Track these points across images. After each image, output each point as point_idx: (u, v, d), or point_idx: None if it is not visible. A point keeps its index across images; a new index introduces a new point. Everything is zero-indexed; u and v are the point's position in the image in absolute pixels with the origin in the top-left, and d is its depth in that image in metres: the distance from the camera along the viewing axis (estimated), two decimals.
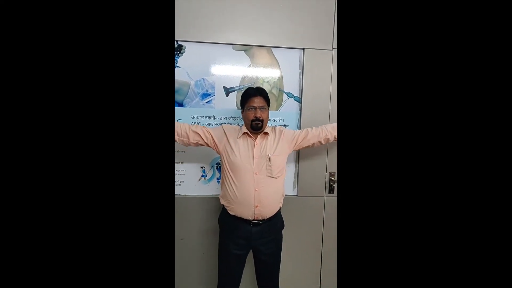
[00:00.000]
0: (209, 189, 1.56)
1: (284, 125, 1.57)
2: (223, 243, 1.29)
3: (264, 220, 1.23)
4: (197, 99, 1.50)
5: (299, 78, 1.56)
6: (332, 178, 1.60)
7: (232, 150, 1.24)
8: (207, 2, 1.43)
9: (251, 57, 1.52)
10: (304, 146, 1.36)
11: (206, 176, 1.56)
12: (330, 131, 1.35)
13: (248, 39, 1.48)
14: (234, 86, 1.52)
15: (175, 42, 1.45)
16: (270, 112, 1.35)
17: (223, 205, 1.28)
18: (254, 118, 1.22)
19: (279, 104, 1.56)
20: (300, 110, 1.56)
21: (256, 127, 1.23)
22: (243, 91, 1.32)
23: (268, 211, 1.23)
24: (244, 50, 1.51)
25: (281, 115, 1.57)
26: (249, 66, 1.52)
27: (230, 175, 1.23)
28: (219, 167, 1.54)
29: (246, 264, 1.30)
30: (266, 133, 1.28)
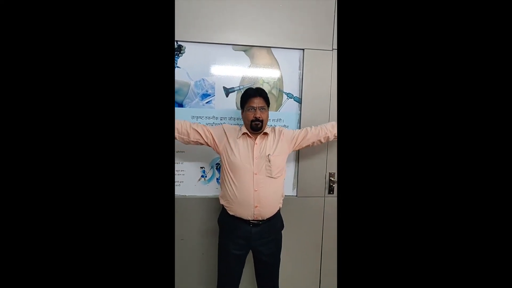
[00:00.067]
0: (209, 190, 1.56)
1: (284, 126, 1.57)
2: (222, 243, 1.29)
3: (263, 220, 1.23)
4: (197, 100, 1.50)
5: (299, 78, 1.56)
6: (332, 179, 1.60)
7: (232, 150, 1.24)
8: (207, 2, 1.43)
9: (251, 57, 1.52)
10: (304, 146, 1.36)
11: (206, 177, 1.56)
12: (330, 129, 1.35)
13: (248, 40, 1.48)
14: (234, 86, 1.52)
15: (175, 43, 1.45)
16: (270, 112, 1.36)
17: (222, 205, 1.28)
18: (253, 119, 1.22)
19: (279, 105, 1.56)
20: (300, 110, 1.56)
21: (255, 127, 1.23)
22: (242, 92, 1.32)
23: (267, 212, 1.23)
24: (244, 51, 1.51)
25: (281, 116, 1.57)
26: (249, 66, 1.52)
27: (230, 175, 1.23)
28: (218, 167, 1.54)
29: (245, 264, 1.30)
30: (265, 134, 1.29)
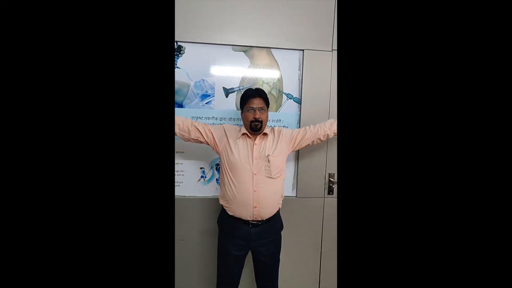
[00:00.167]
0: (209, 190, 1.56)
1: (284, 126, 1.56)
2: (222, 244, 1.29)
3: (263, 220, 1.23)
4: (196, 100, 1.50)
5: (299, 79, 1.56)
6: (332, 179, 1.60)
7: (232, 150, 1.24)
8: (207, 3, 1.44)
9: (251, 58, 1.52)
10: (303, 145, 1.36)
11: (205, 177, 1.55)
12: (329, 127, 1.36)
13: (247, 40, 1.48)
14: (233, 87, 1.52)
15: (175, 43, 1.45)
16: (269, 113, 1.36)
17: (222, 205, 1.28)
18: (253, 119, 1.22)
19: (279, 105, 1.56)
20: (300, 111, 1.56)
21: (255, 128, 1.23)
22: (242, 92, 1.32)
23: (267, 212, 1.23)
24: (243, 51, 1.51)
25: (281, 116, 1.57)
26: (249, 67, 1.52)
27: (229, 176, 1.23)
28: (218, 168, 1.54)
29: (245, 264, 1.30)
30: (265, 134, 1.29)
